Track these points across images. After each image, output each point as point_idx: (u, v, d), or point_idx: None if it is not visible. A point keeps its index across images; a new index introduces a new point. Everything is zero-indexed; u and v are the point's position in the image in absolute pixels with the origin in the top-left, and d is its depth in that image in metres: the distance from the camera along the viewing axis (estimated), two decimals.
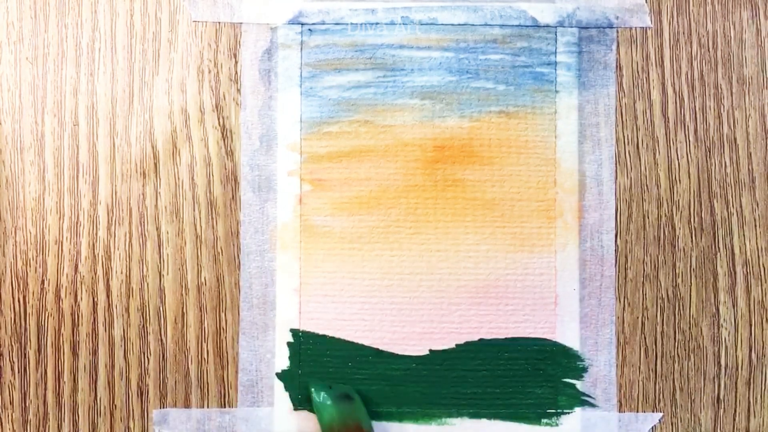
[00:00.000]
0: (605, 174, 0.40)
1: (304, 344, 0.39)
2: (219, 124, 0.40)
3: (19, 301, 0.39)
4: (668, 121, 0.40)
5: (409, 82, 0.40)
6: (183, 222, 0.40)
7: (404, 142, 0.40)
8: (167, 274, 0.40)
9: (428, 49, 0.40)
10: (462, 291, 0.40)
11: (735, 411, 0.40)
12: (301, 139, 0.40)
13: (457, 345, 0.40)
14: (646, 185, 0.40)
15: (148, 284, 0.40)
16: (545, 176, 0.40)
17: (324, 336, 0.40)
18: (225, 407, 0.39)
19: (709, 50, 0.40)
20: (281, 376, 0.39)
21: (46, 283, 0.40)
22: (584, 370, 0.39)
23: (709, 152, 0.40)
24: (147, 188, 0.40)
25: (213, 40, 0.40)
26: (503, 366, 0.39)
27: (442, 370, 0.39)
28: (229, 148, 0.40)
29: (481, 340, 0.40)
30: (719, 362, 0.40)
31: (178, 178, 0.40)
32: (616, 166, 0.40)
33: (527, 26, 0.40)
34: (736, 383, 0.40)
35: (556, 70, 0.40)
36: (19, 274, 0.39)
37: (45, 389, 0.39)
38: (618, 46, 0.40)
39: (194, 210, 0.40)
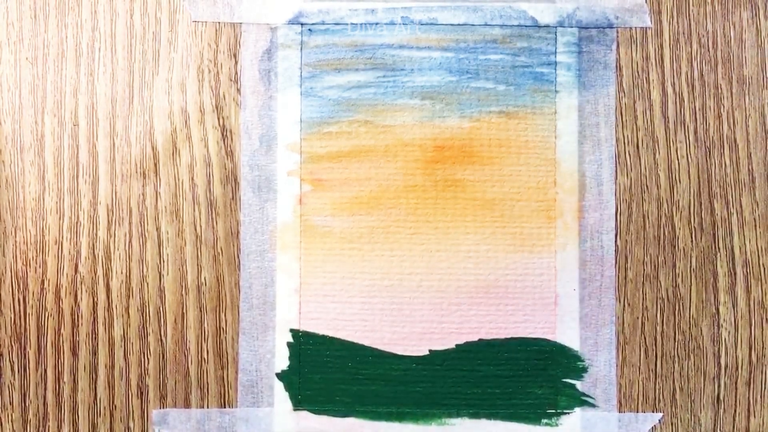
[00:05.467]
0: (605, 174, 0.40)
1: (304, 344, 0.39)
2: (219, 124, 0.40)
3: (19, 301, 0.39)
4: (668, 121, 0.40)
5: (409, 82, 0.40)
6: (183, 222, 0.40)
7: (404, 142, 0.40)
8: (167, 274, 0.40)
9: (428, 49, 0.40)
10: (462, 291, 0.40)
11: (735, 411, 0.40)
12: (301, 139, 0.40)
13: (457, 345, 0.40)
14: (646, 185, 0.40)
15: (148, 284, 0.40)
16: (545, 176, 0.40)
17: (324, 336, 0.40)
18: (225, 407, 0.39)
19: (709, 50, 0.40)
20: (281, 376, 0.39)
21: (46, 283, 0.39)
22: (584, 370, 0.39)
23: (709, 152, 0.40)
24: (147, 188, 0.40)
25: (213, 40, 0.40)
26: (503, 366, 0.39)
27: (442, 370, 0.39)
28: (229, 148, 0.40)
29: (481, 340, 0.40)
30: (719, 362, 0.40)
31: (178, 178, 0.40)
32: (616, 166, 0.40)
33: (527, 26, 0.40)
34: (736, 383, 0.40)
35: (556, 70, 0.40)
36: (19, 274, 0.39)
37: (45, 389, 0.39)
38: (618, 46, 0.40)
39: (194, 210, 0.40)
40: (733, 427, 0.40)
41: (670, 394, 0.40)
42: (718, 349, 0.40)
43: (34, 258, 0.40)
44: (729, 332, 0.40)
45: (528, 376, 0.39)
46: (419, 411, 0.39)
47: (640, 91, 0.40)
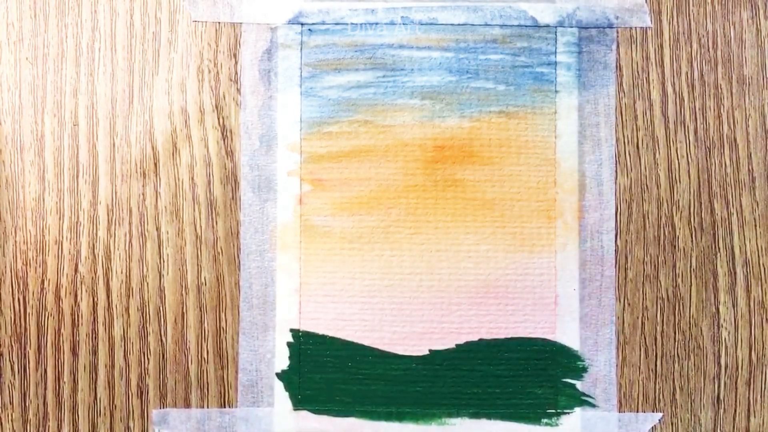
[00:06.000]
0: (605, 174, 0.40)
1: (304, 344, 0.39)
2: (219, 124, 0.40)
3: (19, 301, 0.39)
4: (668, 121, 0.40)
5: (409, 82, 0.40)
6: (183, 222, 0.40)
7: (404, 142, 0.40)
8: (167, 274, 0.40)
9: (428, 49, 0.40)
10: (462, 291, 0.40)
11: (735, 411, 0.40)
12: (301, 139, 0.40)
13: (457, 345, 0.40)
14: (646, 185, 0.40)
15: (148, 284, 0.40)
16: (545, 176, 0.40)
17: (324, 336, 0.40)
18: (225, 407, 0.39)
19: (709, 50, 0.40)
20: (281, 376, 0.39)
21: (46, 283, 0.40)
22: (584, 370, 0.39)
23: (709, 152, 0.40)
24: (147, 188, 0.40)
25: (213, 40, 0.40)
26: (503, 366, 0.39)
27: (442, 370, 0.39)
28: (229, 148, 0.40)
29: (481, 340, 0.40)
30: (719, 362, 0.40)
31: (178, 178, 0.40)
32: (616, 166, 0.40)
33: (527, 26, 0.40)
34: (736, 383, 0.40)
35: (556, 70, 0.40)
36: (19, 274, 0.40)
37: (45, 389, 0.39)
38: (618, 46, 0.40)
39: (194, 210, 0.40)
40: (733, 427, 0.40)
41: (670, 394, 0.40)
42: (718, 349, 0.40)
43: (34, 258, 0.40)
44: (729, 332, 0.40)
45: (528, 376, 0.39)
46: (419, 411, 0.39)
47: (640, 91, 0.40)
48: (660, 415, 0.39)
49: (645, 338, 0.40)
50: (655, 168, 0.40)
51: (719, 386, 0.40)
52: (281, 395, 0.39)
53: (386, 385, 0.39)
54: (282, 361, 0.39)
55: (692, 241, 0.40)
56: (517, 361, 0.39)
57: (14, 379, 0.39)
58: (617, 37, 0.40)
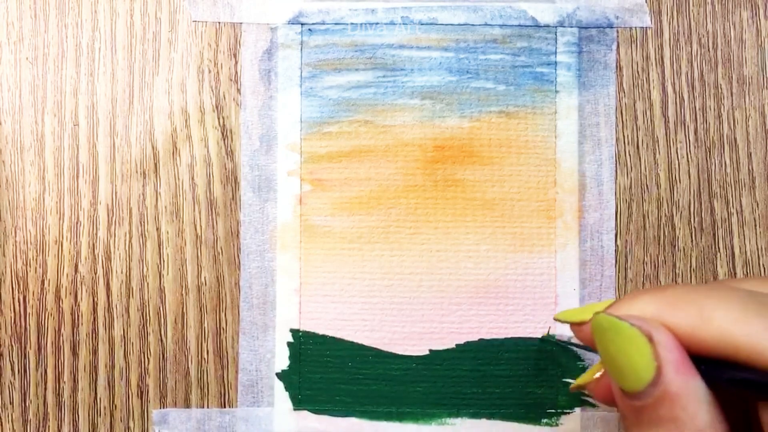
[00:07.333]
0: (605, 174, 0.40)
1: (304, 344, 0.39)
2: (219, 124, 0.40)
3: (19, 301, 0.39)
4: (668, 121, 0.40)
5: (409, 82, 0.40)
6: (183, 222, 0.40)
7: (404, 142, 0.40)
8: (167, 274, 0.40)
9: (428, 49, 0.40)
10: (462, 291, 0.40)
11: None
12: (301, 139, 0.40)
13: (457, 345, 0.40)
14: (646, 185, 0.40)
15: (148, 284, 0.40)
16: (545, 176, 0.40)
17: (324, 336, 0.40)
18: (225, 407, 0.39)
19: (709, 50, 0.40)
20: (281, 376, 0.39)
21: (46, 283, 0.40)
22: (584, 370, 0.39)
23: (709, 152, 0.40)
24: (147, 188, 0.40)
25: (213, 40, 0.40)
26: (503, 366, 0.39)
27: (442, 370, 0.39)
28: (229, 148, 0.40)
29: (481, 340, 0.40)
30: None
31: (178, 178, 0.40)
32: (616, 166, 0.40)
33: (527, 26, 0.40)
34: None
35: (556, 70, 0.40)
36: (19, 274, 0.39)
37: (45, 389, 0.39)
38: (618, 46, 0.40)
39: (194, 210, 0.40)
40: None
41: None
42: None
43: (34, 258, 0.40)
44: None
45: (528, 376, 0.39)
46: (419, 411, 0.39)
47: (640, 91, 0.40)
48: None
49: None
50: (655, 168, 0.40)
51: None
52: (281, 395, 0.39)
53: (386, 385, 0.39)
54: (282, 361, 0.39)
55: (692, 241, 0.40)
56: (517, 361, 0.39)
57: (14, 379, 0.39)
58: (617, 37, 0.40)
